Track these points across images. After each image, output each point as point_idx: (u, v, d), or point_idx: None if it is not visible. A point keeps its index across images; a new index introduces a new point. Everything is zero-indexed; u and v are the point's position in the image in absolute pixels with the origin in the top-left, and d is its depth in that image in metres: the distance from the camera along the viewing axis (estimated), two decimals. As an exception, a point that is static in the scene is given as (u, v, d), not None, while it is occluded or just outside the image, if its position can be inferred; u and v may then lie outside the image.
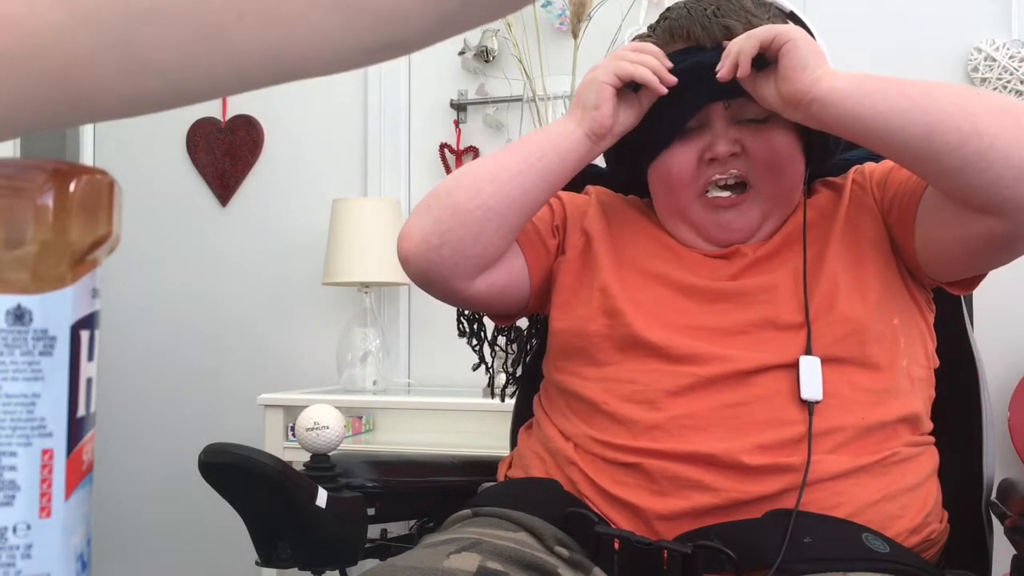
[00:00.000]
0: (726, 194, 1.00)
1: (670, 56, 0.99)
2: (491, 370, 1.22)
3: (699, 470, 0.88)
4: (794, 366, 0.91)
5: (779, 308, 0.95)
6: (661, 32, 1.03)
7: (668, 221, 1.06)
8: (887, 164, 1.03)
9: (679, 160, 1.01)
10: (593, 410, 0.96)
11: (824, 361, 0.91)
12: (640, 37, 1.07)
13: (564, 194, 1.14)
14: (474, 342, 1.21)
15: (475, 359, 1.22)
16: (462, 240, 0.98)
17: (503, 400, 1.24)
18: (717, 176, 0.99)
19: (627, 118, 1.00)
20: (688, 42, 0.99)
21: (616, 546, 0.87)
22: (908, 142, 0.86)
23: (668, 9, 1.04)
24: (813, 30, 1.02)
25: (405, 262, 1.00)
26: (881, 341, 0.94)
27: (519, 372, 1.25)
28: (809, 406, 0.89)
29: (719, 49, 0.97)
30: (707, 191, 1.00)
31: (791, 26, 0.94)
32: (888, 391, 0.93)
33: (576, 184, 1.15)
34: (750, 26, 0.97)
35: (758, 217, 1.02)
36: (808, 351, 0.92)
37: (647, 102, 0.99)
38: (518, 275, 1.07)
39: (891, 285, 0.97)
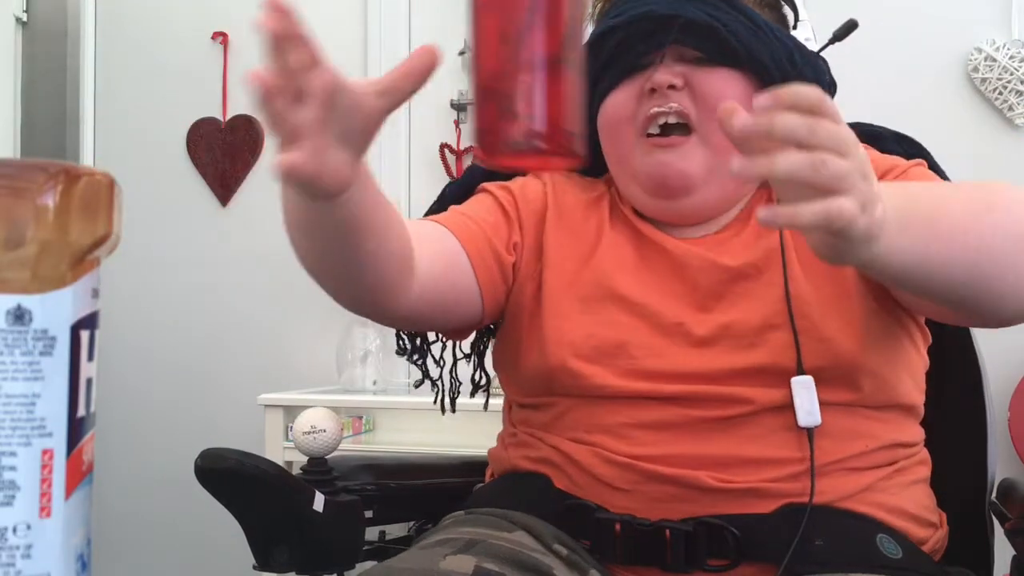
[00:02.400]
0: (666, 134, 0.93)
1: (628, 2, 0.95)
2: (438, 384, 1.13)
3: (683, 492, 0.85)
4: (791, 407, 0.87)
5: (774, 356, 0.88)
6: None
7: (619, 181, 0.99)
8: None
9: (619, 96, 0.95)
10: (567, 429, 0.92)
11: (824, 404, 0.86)
12: None
13: (519, 194, 1.02)
14: (415, 357, 1.10)
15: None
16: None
17: (454, 411, 1.15)
18: (655, 109, 0.91)
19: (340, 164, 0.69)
20: None
21: (617, 531, 0.86)
22: (941, 298, 0.81)
23: None
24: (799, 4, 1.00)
25: None
26: (889, 387, 0.91)
27: (481, 379, 1.15)
28: (809, 432, 0.86)
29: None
30: (648, 132, 0.93)
31: (853, 177, 0.62)
32: (887, 422, 0.91)
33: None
34: None
35: (700, 165, 0.92)
36: (800, 371, 0.86)
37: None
38: (467, 288, 0.96)
39: (886, 322, 0.92)
